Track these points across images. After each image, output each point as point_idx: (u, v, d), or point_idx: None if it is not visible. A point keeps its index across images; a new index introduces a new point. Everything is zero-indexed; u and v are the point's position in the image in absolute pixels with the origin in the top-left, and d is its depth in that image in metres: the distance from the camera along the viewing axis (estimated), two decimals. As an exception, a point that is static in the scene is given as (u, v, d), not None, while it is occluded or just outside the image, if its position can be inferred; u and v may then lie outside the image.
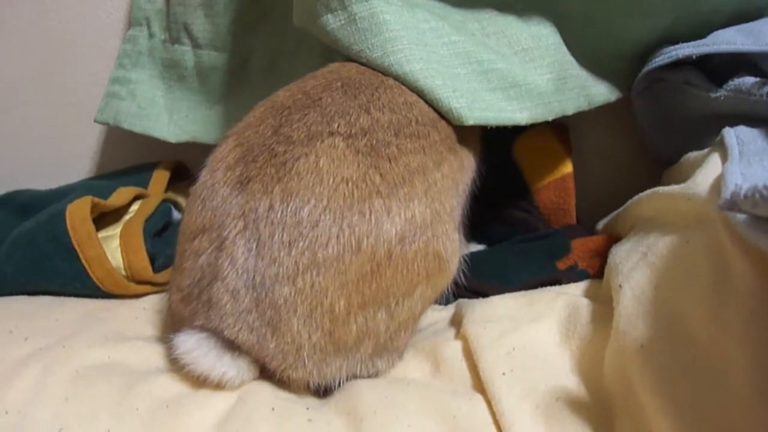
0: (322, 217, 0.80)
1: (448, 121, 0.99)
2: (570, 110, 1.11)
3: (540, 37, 1.10)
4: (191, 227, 0.87)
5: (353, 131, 0.87)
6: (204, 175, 0.90)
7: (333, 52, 1.07)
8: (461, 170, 1.00)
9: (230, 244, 0.82)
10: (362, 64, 1.01)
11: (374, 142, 0.87)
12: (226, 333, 0.82)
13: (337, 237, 0.80)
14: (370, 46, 0.99)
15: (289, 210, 0.80)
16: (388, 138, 0.88)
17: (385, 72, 0.99)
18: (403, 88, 0.98)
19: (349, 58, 1.03)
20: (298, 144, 0.85)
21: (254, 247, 0.81)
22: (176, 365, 0.86)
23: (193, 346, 0.84)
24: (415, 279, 0.86)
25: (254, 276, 0.80)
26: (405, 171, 0.87)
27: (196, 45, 1.35)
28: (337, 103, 0.90)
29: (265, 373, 0.87)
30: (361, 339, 0.84)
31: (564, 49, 1.12)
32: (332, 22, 1.02)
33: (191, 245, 0.86)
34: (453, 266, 0.94)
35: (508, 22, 1.10)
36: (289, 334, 0.81)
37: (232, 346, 0.84)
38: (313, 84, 0.95)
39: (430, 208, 0.88)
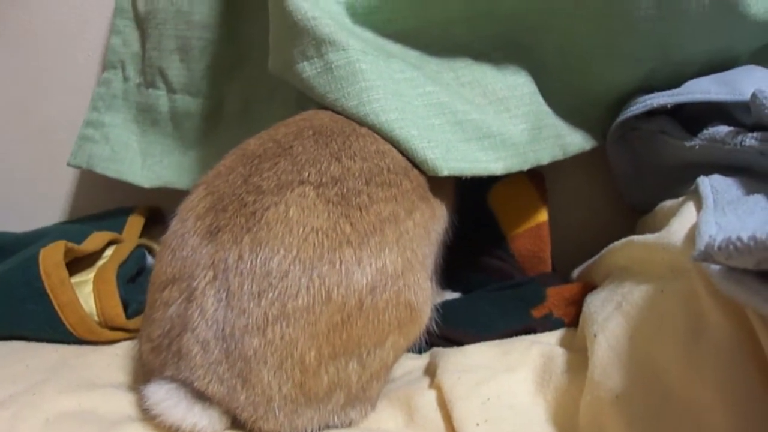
0: (292, 267, 0.80)
1: (421, 170, 0.99)
2: (545, 160, 1.12)
3: (516, 87, 1.10)
4: (161, 277, 0.86)
5: (324, 180, 0.87)
6: (174, 225, 0.90)
7: (307, 99, 1.07)
8: (433, 219, 0.99)
9: (200, 294, 0.81)
10: (337, 112, 1.01)
11: (345, 191, 0.87)
12: (196, 384, 0.81)
13: (307, 288, 0.79)
14: (345, 95, 0.99)
15: (258, 260, 0.80)
16: (359, 186, 0.88)
17: (360, 121, 0.99)
18: (376, 136, 0.98)
19: (323, 106, 1.03)
20: (268, 193, 0.85)
21: (224, 297, 0.80)
22: (148, 414, 0.85)
23: (163, 396, 0.83)
24: (387, 329, 0.85)
25: (224, 327, 0.79)
26: (376, 220, 0.86)
27: (170, 89, 1.35)
28: (308, 152, 0.90)
29: (237, 422, 0.85)
30: (332, 390, 0.83)
31: (539, 98, 1.12)
32: (308, 69, 1.02)
33: (161, 295, 0.85)
34: (425, 315, 0.93)
35: (484, 72, 1.10)
36: (260, 386, 0.80)
37: (202, 396, 0.82)
38: (285, 132, 0.95)
39: (402, 257, 0.87)
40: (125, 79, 1.39)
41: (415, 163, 0.99)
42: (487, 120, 1.07)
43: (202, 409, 0.83)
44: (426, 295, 0.92)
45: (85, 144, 1.38)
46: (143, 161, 1.37)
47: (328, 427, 0.87)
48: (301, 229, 0.82)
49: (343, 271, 0.81)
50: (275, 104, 1.28)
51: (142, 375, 0.90)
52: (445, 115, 1.04)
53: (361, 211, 0.86)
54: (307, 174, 0.87)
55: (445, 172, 0.99)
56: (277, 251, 0.80)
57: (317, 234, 0.82)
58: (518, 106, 1.10)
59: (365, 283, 0.82)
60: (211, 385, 0.80)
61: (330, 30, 1.00)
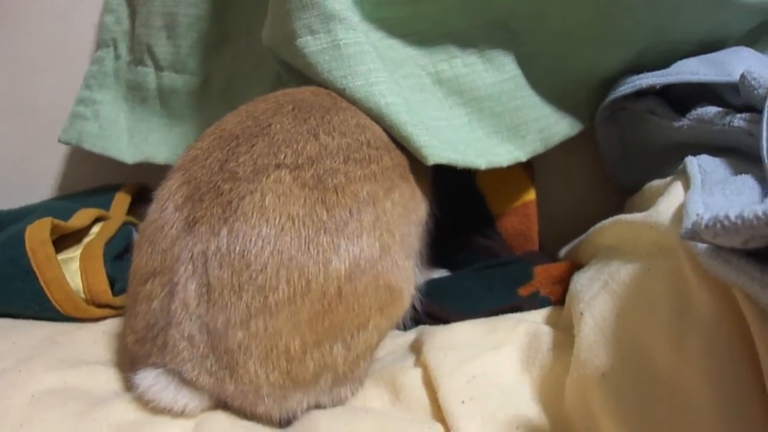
0: (270, 259, 0.79)
1: (403, 149, 0.99)
2: (523, 157, 1.13)
3: (495, 84, 1.10)
4: (142, 270, 0.86)
5: (300, 161, 0.86)
6: (152, 214, 0.89)
7: (291, 77, 1.07)
8: (413, 199, 0.99)
9: (181, 289, 0.81)
10: (338, 90, 1.00)
11: (321, 172, 0.86)
12: (185, 376, 0.82)
13: (287, 280, 0.79)
14: (353, 73, 0.98)
15: (236, 253, 0.79)
16: (336, 165, 0.87)
17: (360, 101, 0.98)
18: (358, 110, 0.98)
19: (319, 84, 1.02)
20: (244, 180, 0.84)
21: (204, 291, 0.80)
22: (136, 397, 0.85)
23: (152, 382, 0.84)
24: (368, 312, 0.85)
25: (207, 322, 0.80)
26: (353, 202, 0.85)
27: (157, 67, 1.35)
28: (285, 130, 0.89)
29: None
30: (319, 373, 0.83)
31: (523, 92, 1.13)
32: (312, 44, 1.00)
33: (143, 288, 0.85)
34: (406, 295, 0.93)
35: (467, 66, 1.10)
36: (247, 377, 0.80)
37: (190, 382, 0.83)
38: (264, 107, 0.95)
39: (379, 241, 0.87)
40: (117, 57, 1.39)
41: (409, 149, 0.99)
42: (457, 127, 1.08)
43: (191, 391, 0.83)
44: (405, 276, 0.92)
45: (77, 121, 1.38)
46: (129, 138, 1.37)
47: (319, 406, 0.88)
48: (277, 218, 0.81)
49: (321, 260, 0.81)
50: (257, 82, 1.26)
51: (128, 363, 0.90)
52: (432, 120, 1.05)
53: (337, 194, 0.85)
54: (283, 156, 0.86)
55: (442, 161, 0.99)
56: (254, 243, 0.80)
57: (294, 222, 0.81)
58: (495, 105, 1.11)
59: (343, 270, 0.82)
60: (200, 377, 0.81)
61: (341, 6, 0.99)
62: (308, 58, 1.01)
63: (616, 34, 1.10)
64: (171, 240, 0.83)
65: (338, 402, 0.90)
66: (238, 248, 0.79)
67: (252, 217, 0.81)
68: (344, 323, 0.83)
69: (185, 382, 0.83)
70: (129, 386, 0.88)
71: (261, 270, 0.79)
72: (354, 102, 0.99)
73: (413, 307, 0.98)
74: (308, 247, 0.81)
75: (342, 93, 0.99)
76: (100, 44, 1.40)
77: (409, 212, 0.96)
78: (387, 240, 0.88)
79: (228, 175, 0.85)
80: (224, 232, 0.80)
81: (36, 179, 1.57)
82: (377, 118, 0.98)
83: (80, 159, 1.52)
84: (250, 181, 0.84)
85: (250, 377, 0.80)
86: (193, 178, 0.88)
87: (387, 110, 0.97)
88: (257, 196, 0.82)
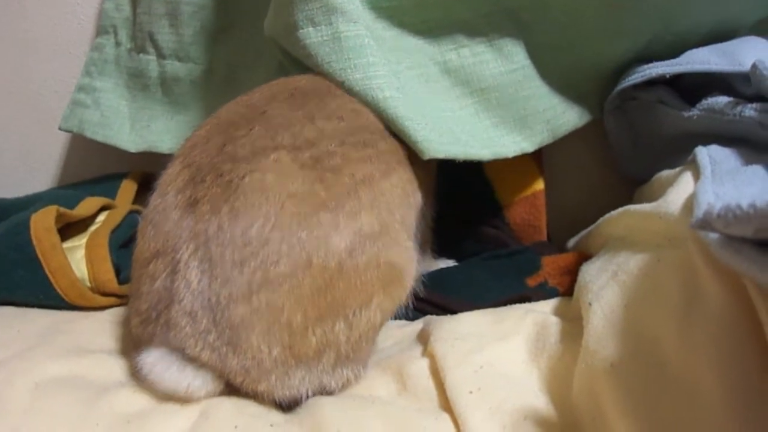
0: (271, 235, 0.80)
1: (399, 137, 1.00)
2: (530, 148, 1.13)
3: (503, 75, 1.10)
4: (145, 253, 0.87)
5: (298, 143, 0.88)
6: (154, 200, 0.90)
7: (292, 66, 1.07)
8: (411, 183, 1.00)
9: (184, 266, 0.82)
10: (337, 82, 1.00)
11: (318, 153, 0.87)
12: (188, 352, 0.82)
13: (288, 254, 0.80)
14: (352, 66, 0.99)
15: (237, 229, 0.81)
16: (332, 148, 0.89)
17: (359, 94, 0.99)
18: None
19: (317, 75, 1.02)
20: (243, 161, 0.85)
21: (207, 268, 0.81)
22: (140, 382, 0.85)
23: (155, 361, 0.84)
24: (370, 289, 0.86)
25: (210, 297, 0.80)
26: (350, 182, 0.87)
27: (160, 55, 1.35)
28: (282, 115, 0.91)
29: (232, 386, 0.85)
30: (321, 350, 0.84)
31: (532, 83, 1.13)
32: (313, 36, 1.01)
33: (146, 270, 0.86)
34: (408, 275, 0.94)
35: (475, 56, 1.10)
36: (250, 351, 0.81)
37: (194, 359, 0.83)
38: (259, 96, 0.97)
39: (378, 219, 0.88)
40: (117, 44, 1.39)
41: (407, 142, 0.99)
42: (463, 117, 1.08)
43: (194, 369, 0.84)
44: (408, 255, 0.93)
45: (77, 108, 1.38)
46: (131, 126, 1.37)
47: (322, 387, 0.88)
48: (277, 196, 0.82)
49: (322, 236, 0.82)
50: (260, 70, 1.27)
51: (133, 347, 0.90)
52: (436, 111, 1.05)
53: (335, 174, 0.87)
54: (281, 138, 0.88)
55: (439, 155, 0.99)
56: (255, 219, 0.81)
57: (293, 200, 0.83)
58: (502, 96, 1.11)
59: (344, 246, 0.83)
60: (203, 353, 0.82)
61: None
62: (309, 49, 1.01)
63: (623, 25, 1.10)
64: (173, 221, 0.85)
65: (341, 384, 0.90)
66: (239, 225, 0.81)
67: (252, 195, 0.82)
68: (346, 299, 0.84)
69: (188, 359, 0.83)
70: (133, 371, 0.88)
71: (262, 245, 0.80)
72: (353, 94, 1.00)
73: (420, 298, 0.99)
74: (308, 223, 0.82)
75: (341, 85, 1.00)
76: (100, 31, 1.40)
77: (407, 195, 0.97)
78: (386, 218, 0.89)
79: (227, 157, 0.86)
80: (225, 209, 0.82)
81: (39, 167, 1.57)
82: (375, 110, 0.99)
83: (84, 147, 1.52)
84: (249, 162, 0.85)
85: (253, 352, 0.81)
86: (193, 162, 0.89)
87: (385, 104, 0.98)
88: (257, 175, 0.84)
